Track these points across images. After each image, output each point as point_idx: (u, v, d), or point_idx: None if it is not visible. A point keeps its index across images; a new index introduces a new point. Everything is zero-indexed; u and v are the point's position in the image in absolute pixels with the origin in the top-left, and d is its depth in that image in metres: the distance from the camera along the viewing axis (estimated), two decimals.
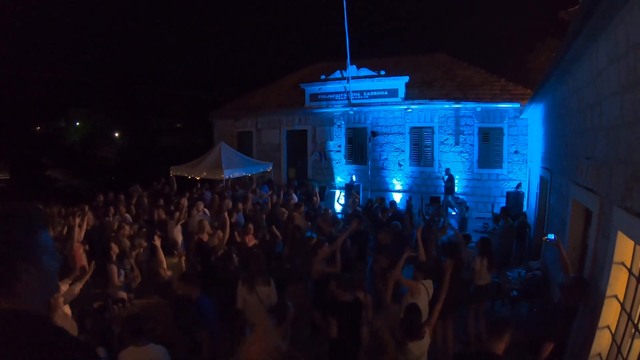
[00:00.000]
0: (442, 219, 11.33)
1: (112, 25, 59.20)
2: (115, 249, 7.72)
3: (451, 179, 15.06)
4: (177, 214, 9.59)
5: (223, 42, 62.31)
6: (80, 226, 7.83)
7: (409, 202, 12.57)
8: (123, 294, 7.43)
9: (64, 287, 5.74)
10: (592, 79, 4.87)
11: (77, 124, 44.85)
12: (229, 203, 11.12)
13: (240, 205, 10.76)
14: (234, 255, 7.21)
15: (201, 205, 10.45)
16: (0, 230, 1.36)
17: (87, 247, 7.88)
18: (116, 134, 46.09)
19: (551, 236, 5.27)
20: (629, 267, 3.71)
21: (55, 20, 53.41)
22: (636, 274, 3.55)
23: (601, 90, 4.43)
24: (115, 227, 9.27)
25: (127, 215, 10.67)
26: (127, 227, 9.11)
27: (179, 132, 46.21)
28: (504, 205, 12.94)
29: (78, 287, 5.88)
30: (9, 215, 1.40)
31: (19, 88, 37.68)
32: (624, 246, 3.71)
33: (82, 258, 7.44)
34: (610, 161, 4.05)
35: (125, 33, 56.33)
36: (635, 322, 3.43)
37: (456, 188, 15.74)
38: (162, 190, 14.24)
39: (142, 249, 8.67)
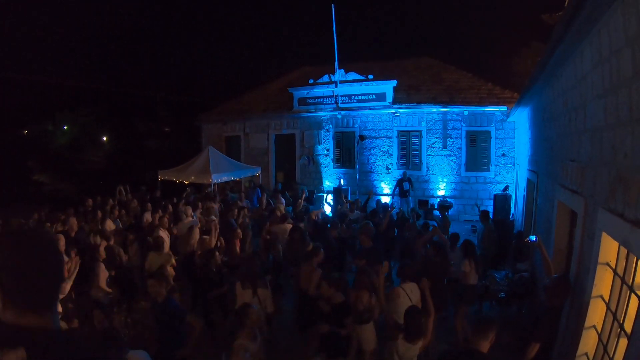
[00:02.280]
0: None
1: (100, 29, 58.81)
2: (102, 249, 7.63)
3: (410, 183, 15.39)
4: (165, 219, 9.55)
5: (211, 46, 62.14)
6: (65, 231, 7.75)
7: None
8: (105, 290, 7.33)
9: None
10: (576, 82, 4.93)
11: (65, 127, 44.38)
12: (214, 206, 11.13)
13: (235, 211, 10.71)
14: (217, 255, 7.17)
15: (190, 210, 10.41)
16: (51, 255, 1.46)
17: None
18: (104, 138, 45.69)
19: (532, 237, 5.36)
20: (613, 267, 3.75)
21: (43, 24, 52.99)
22: (621, 274, 3.59)
23: (585, 93, 4.49)
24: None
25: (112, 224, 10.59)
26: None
27: (167, 136, 45.90)
28: (491, 208, 13.06)
29: (67, 286, 5.88)
30: (52, 240, 1.53)
31: (5, 91, 37.26)
32: (608, 247, 3.75)
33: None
34: (594, 163, 4.10)
35: (113, 36, 56.01)
36: (621, 321, 3.47)
37: (443, 191, 15.84)
38: (148, 195, 14.22)
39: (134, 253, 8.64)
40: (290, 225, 9.50)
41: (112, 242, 8.28)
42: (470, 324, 4.00)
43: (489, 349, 3.69)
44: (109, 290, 7.31)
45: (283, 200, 13.41)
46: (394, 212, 10.92)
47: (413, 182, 16.30)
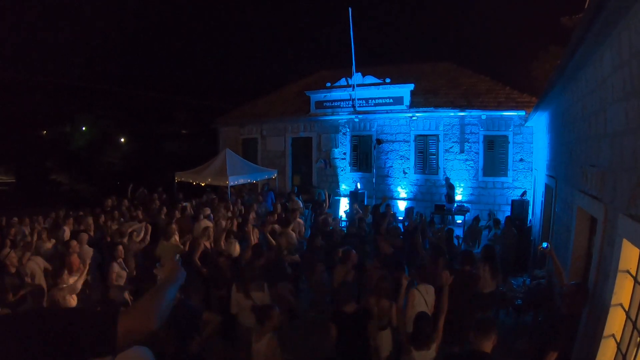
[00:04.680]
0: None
1: (119, 32, 59.64)
2: (121, 249, 7.68)
3: (452, 188, 15.07)
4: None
5: (228, 50, 62.59)
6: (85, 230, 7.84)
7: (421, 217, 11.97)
8: (126, 296, 7.39)
9: (71, 280, 5.91)
10: (596, 86, 4.86)
11: (83, 128, 45.05)
12: (229, 209, 11.22)
13: (252, 215, 10.75)
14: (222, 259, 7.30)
15: (207, 211, 10.47)
16: None
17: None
18: (122, 140, 46.30)
19: (545, 244, 5.32)
20: (634, 274, 3.68)
21: (62, 26, 53.86)
22: None
23: (605, 97, 4.42)
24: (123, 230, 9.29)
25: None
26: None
27: (184, 138, 46.39)
28: (508, 213, 12.92)
29: (80, 282, 6.05)
30: None
31: (25, 93, 37.96)
32: (629, 254, 3.68)
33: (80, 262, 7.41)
34: (614, 168, 4.03)
35: (131, 39, 56.70)
36: None
37: (460, 196, 15.73)
38: (165, 196, 14.36)
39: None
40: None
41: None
42: (472, 326, 3.97)
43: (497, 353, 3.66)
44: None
45: (300, 203, 13.42)
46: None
47: (430, 186, 16.25)
